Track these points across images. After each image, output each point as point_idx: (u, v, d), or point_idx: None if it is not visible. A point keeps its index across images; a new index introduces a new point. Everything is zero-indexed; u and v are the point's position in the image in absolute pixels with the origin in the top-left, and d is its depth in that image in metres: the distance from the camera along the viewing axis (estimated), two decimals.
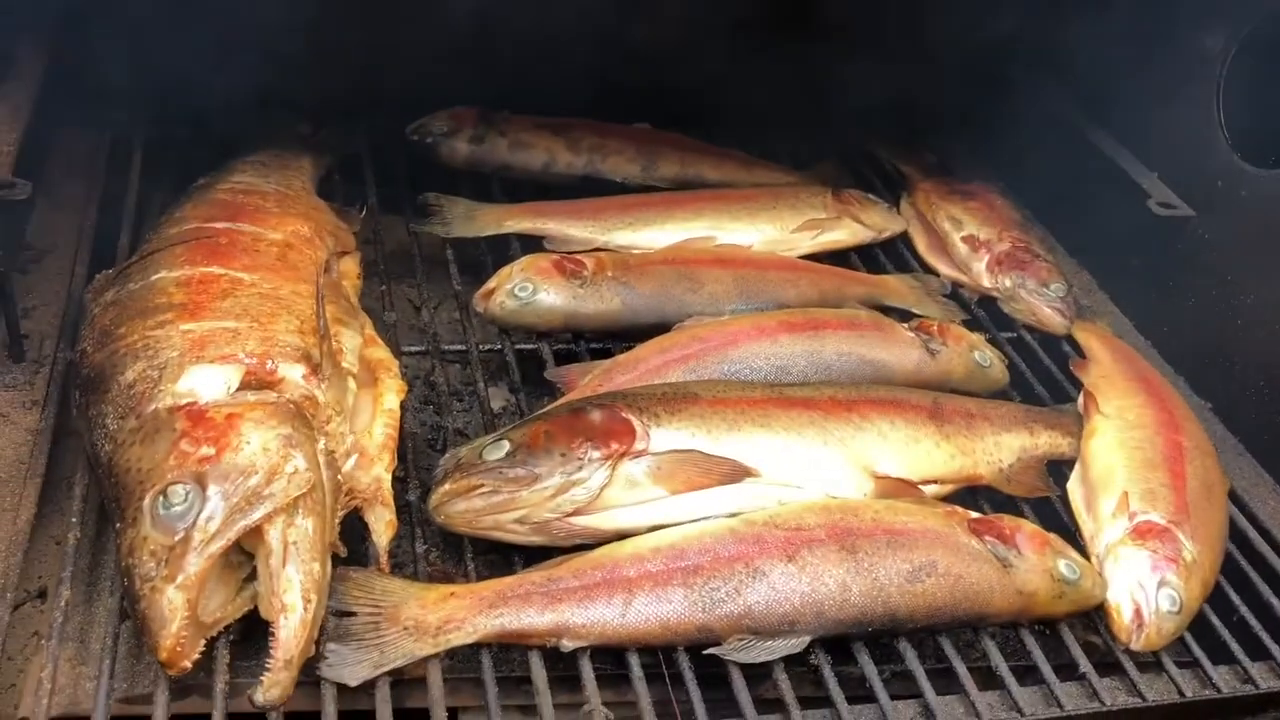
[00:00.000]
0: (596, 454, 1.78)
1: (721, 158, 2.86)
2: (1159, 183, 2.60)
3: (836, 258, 2.68)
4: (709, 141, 2.95)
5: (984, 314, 2.58)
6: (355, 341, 1.91)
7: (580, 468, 1.76)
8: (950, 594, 1.74)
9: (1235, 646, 1.87)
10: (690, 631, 1.66)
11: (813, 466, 1.89)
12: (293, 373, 1.74)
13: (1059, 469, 2.15)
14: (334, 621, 1.61)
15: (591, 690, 1.62)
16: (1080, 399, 2.26)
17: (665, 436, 1.84)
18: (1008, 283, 2.54)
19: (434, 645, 1.61)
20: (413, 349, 2.24)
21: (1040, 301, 2.50)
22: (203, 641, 1.53)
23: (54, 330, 2.11)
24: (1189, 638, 1.87)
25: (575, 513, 1.78)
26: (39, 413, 1.94)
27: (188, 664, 1.48)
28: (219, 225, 2.06)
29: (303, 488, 1.56)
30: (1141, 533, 1.89)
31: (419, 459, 2.01)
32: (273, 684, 1.46)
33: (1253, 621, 1.92)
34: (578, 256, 2.31)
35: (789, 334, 2.18)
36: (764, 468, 1.86)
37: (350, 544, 1.75)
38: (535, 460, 1.77)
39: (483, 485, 1.75)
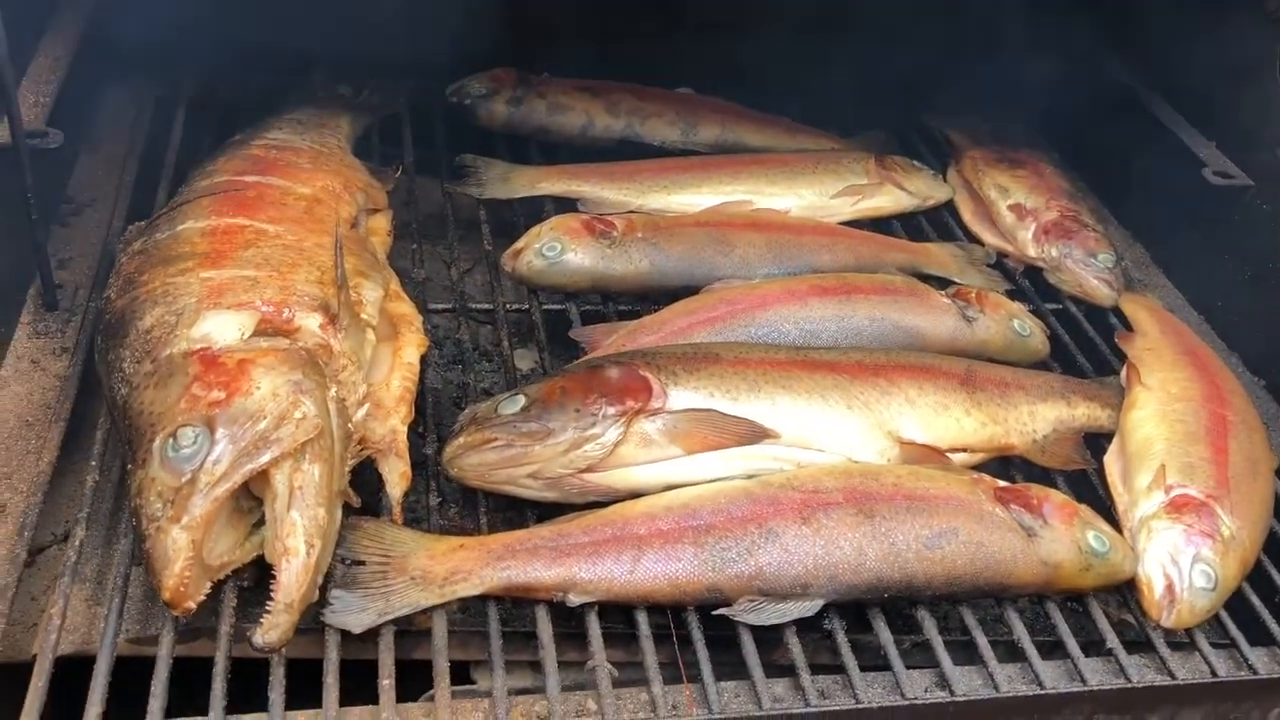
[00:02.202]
0: (611, 410, 1.75)
1: (764, 123, 2.82)
2: (1216, 151, 2.51)
3: (878, 225, 2.62)
4: (758, 105, 2.92)
5: (1029, 284, 2.50)
6: (376, 294, 1.90)
7: (594, 423, 1.74)
8: (971, 562, 1.69)
9: (1276, 627, 1.80)
10: (699, 591, 1.64)
11: (835, 430, 1.85)
12: (309, 321, 1.74)
13: (1097, 443, 2.08)
14: (342, 569, 1.61)
15: (597, 647, 1.60)
16: (1124, 371, 2.19)
17: (683, 396, 1.81)
18: (1054, 252, 2.46)
19: (440, 595, 1.60)
20: (440, 307, 2.23)
21: (1087, 272, 2.43)
22: (209, 584, 1.53)
23: (88, 280, 2.13)
24: (1225, 617, 1.80)
25: (589, 469, 1.76)
26: (68, 359, 1.96)
27: (192, 605, 1.49)
28: (249, 179, 2.07)
29: (310, 433, 1.55)
30: (1177, 506, 1.82)
31: (442, 416, 2.00)
32: (271, 626, 1.46)
33: None
34: (608, 217, 2.29)
35: (819, 298, 2.14)
36: (784, 430, 1.82)
37: (366, 495, 1.75)
38: (550, 415, 1.75)
39: (496, 439, 1.74)
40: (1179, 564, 1.75)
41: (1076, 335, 2.37)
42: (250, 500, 1.60)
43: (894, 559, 1.67)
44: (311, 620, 1.56)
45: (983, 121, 3.02)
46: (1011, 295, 2.44)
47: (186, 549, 1.46)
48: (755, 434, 1.80)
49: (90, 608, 1.68)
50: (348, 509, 1.69)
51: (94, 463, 1.74)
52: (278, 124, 2.38)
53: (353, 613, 1.57)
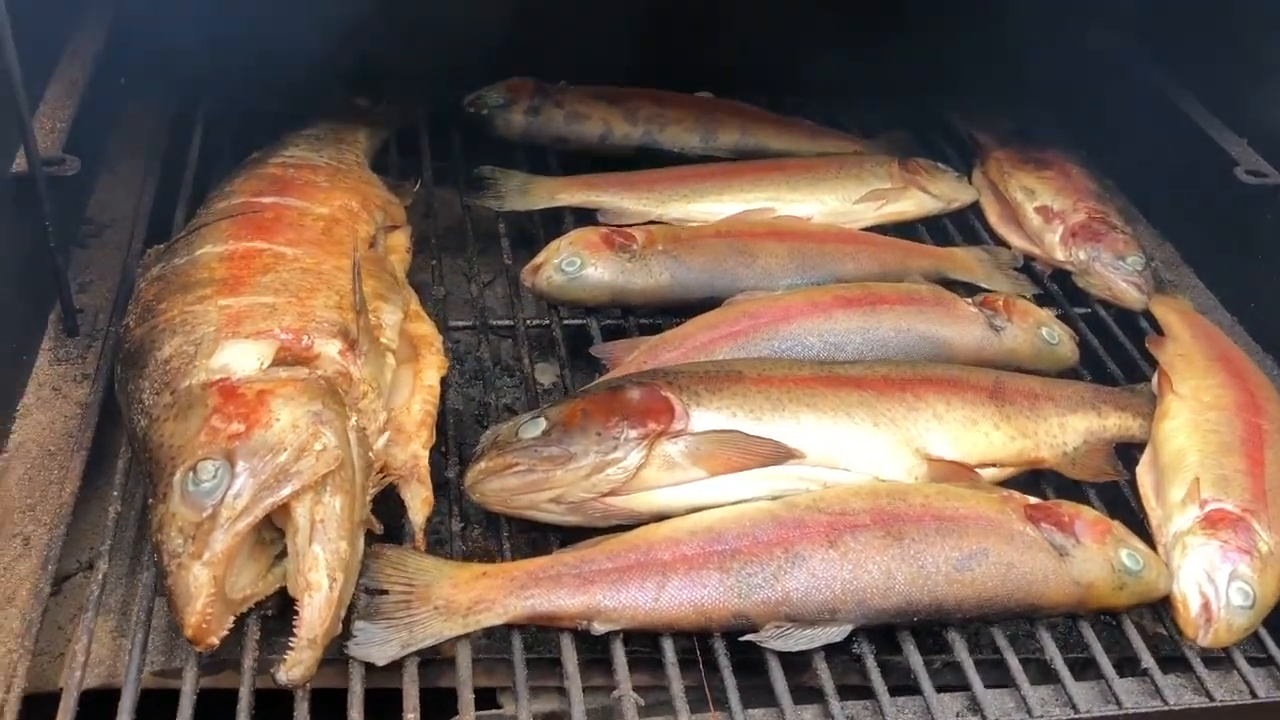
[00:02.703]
0: (633, 433, 1.73)
1: (785, 126, 2.79)
2: (1249, 149, 2.45)
3: (903, 229, 2.59)
4: (775, 111, 2.89)
5: (1057, 288, 2.46)
6: (396, 317, 1.89)
7: (616, 447, 1.72)
8: (1002, 583, 1.66)
9: None
10: (725, 617, 1.62)
11: (861, 448, 1.82)
12: (329, 348, 1.73)
13: (1130, 452, 2.04)
14: (365, 599, 1.60)
15: (622, 675, 1.58)
16: (1155, 378, 2.15)
17: (706, 416, 1.78)
18: (1082, 255, 2.42)
19: (464, 625, 1.58)
20: (461, 324, 2.21)
21: (1116, 275, 2.38)
22: (232, 618, 1.53)
23: (108, 305, 2.13)
24: (1265, 635, 1.76)
25: (611, 493, 1.74)
26: (89, 386, 1.96)
27: (215, 640, 1.48)
28: (266, 200, 2.06)
29: (331, 465, 1.54)
30: (1213, 521, 1.78)
31: (464, 435, 1.98)
32: (295, 663, 1.46)
33: None
34: (628, 230, 2.27)
35: (844, 309, 2.11)
36: (809, 449, 1.79)
37: (390, 520, 1.74)
38: (571, 439, 1.73)
39: (518, 464, 1.72)
40: (1215, 581, 1.72)
41: (1106, 340, 2.33)
42: (272, 532, 1.59)
43: (923, 582, 1.64)
44: (335, 651, 1.55)
45: (1009, 120, 2.98)
46: (1039, 300, 2.40)
47: (208, 585, 1.46)
48: (780, 454, 1.77)
49: (115, 639, 1.68)
50: (370, 536, 1.68)
51: (116, 492, 1.74)
52: (294, 141, 2.37)
53: (376, 644, 1.56)
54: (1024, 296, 2.38)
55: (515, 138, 2.68)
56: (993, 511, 1.72)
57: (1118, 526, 1.77)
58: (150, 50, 2.64)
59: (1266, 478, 1.86)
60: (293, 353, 1.71)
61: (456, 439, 1.93)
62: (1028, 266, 2.51)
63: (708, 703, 1.59)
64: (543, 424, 1.76)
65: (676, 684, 1.58)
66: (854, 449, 1.82)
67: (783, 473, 1.78)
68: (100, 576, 1.62)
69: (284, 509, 1.52)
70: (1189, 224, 2.68)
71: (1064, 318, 2.36)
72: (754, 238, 2.29)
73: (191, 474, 1.51)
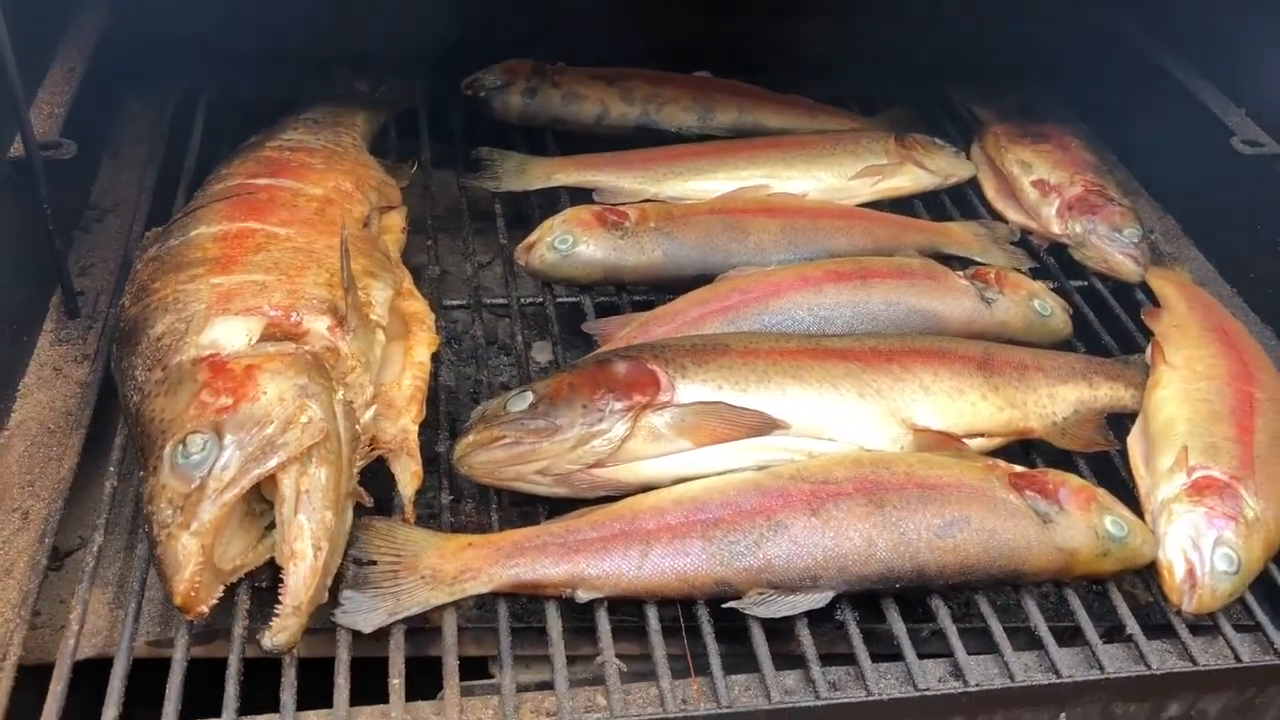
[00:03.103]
0: (618, 405, 1.75)
1: (783, 104, 2.79)
2: (1246, 119, 2.44)
3: (900, 205, 2.59)
4: (776, 89, 2.89)
5: (1053, 262, 2.46)
6: (386, 294, 1.92)
7: (601, 419, 1.74)
8: (984, 550, 1.67)
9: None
10: (708, 585, 1.63)
11: (846, 419, 1.83)
12: (317, 324, 1.76)
13: (1123, 423, 2.04)
14: (354, 569, 1.63)
15: (606, 643, 1.60)
16: (1149, 349, 2.14)
17: (691, 388, 1.80)
18: (1078, 228, 2.42)
19: (449, 594, 1.61)
20: (455, 303, 2.23)
21: (1112, 247, 2.38)
22: (221, 587, 1.56)
23: (109, 287, 2.17)
24: (1251, 600, 1.76)
25: (598, 464, 1.76)
26: (89, 366, 2.00)
27: (204, 609, 1.51)
28: (261, 182, 2.09)
29: (316, 437, 1.57)
30: (1200, 488, 1.79)
31: (458, 411, 2.01)
32: (280, 629, 1.49)
33: None
34: (621, 208, 2.28)
35: (834, 283, 2.12)
36: (794, 420, 1.81)
37: (382, 494, 1.77)
38: (557, 411, 1.75)
39: (505, 436, 1.75)
40: (1200, 547, 1.72)
41: (1102, 313, 2.33)
42: (262, 504, 1.63)
43: (904, 549, 1.65)
44: (324, 620, 1.58)
45: (1010, 95, 2.98)
46: (1035, 273, 2.40)
47: (197, 554, 1.49)
48: (765, 425, 1.79)
49: (112, 611, 1.71)
50: (360, 509, 1.71)
51: (113, 468, 1.77)
52: (293, 124, 2.39)
53: (363, 613, 1.59)
54: (1019, 270, 2.38)
55: (513, 119, 2.70)
56: (976, 479, 1.73)
57: (1102, 493, 1.77)
58: (154, 35, 2.67)
59: (1256, 445, 1.86)
60: (282, 329, 1.73)
61: (449, 415, 1.96)
62: (1025, 241, 2.51)
63: (690, 670, 1.61)
64: (530, 397, 1.79)
65: (659, 651, 1.60)
66: (839, 419, 1.83)
67: (768, 443, 1.80)
68: (95, 549, 1.65)
69: (272, 480, 1.55)
70: (1189, 196, 2.66)
71: (1059, 291, 2.37)
72: (747, 214, 2.30)
73: (181, 447, 1.54)
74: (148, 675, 1.58)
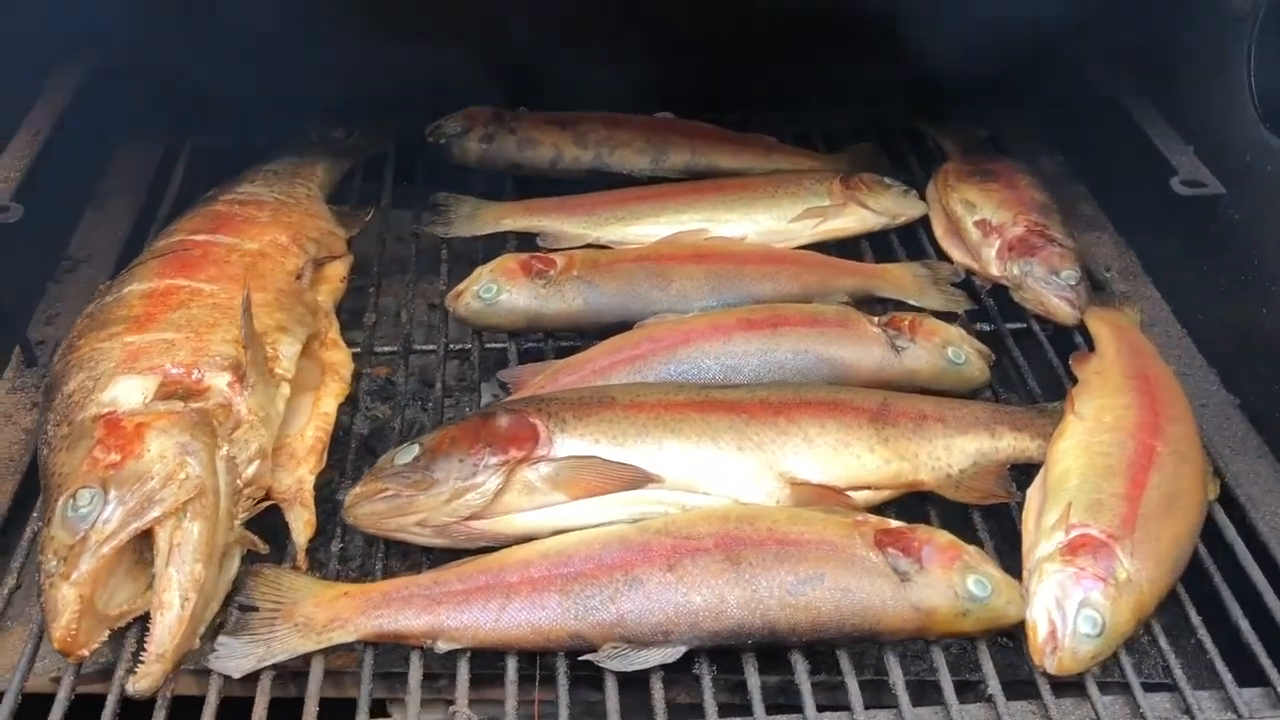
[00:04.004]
0: (493, 460, 1.82)
1: (739, 145, 2.82)
2: (1193, 158, 2.39)
3: (846, 245, 2.60)
4: (742, 123, 2.93)
5: (993, 304, 2.45)
6: (294, 349, 2.02)
7: (475, 473, 1.81)
8: (836, 608, 1.69)
9: (1180, 673, 1.74)
10: (563, 638, 1.69)
11: (722, 473, 1.87)
12: (219, 380, 1.87)
13: (1030, 473, 2.03)
14: (236, 615, 1.73)
15: (461, 691, 1.68)
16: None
17: (569, 443, 1.86)
18: (1015, 270, 2.40)
19: (317, 642, 1.70)
20: (386, 349, 2.33)
21: (1048, 290, 2.35)
22: (107, 631, 1.68)
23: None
24: (1125, 660, 1.75)
25: (474, 517, 1.83)
26: (38, 414, 2.14)
27: (85, 652, 1.64)
28: (200, 238, 2.21)
29: (191, 493, 1.67)
30: (1074, 548, 1.77)
31: (364, 463, 2.09)
32: (144, 675, 1.60)
33: (1209, 646, 1.78)
34: (549, 255, 2.35)
35: (744, 332, 2.15)
36: (669, 473, 1.85)
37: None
38: (435, 465, 1.83)
39: (386, 489, 1.83)
40: (1064, 609, 1.70)
41: (1034, 358, 2.31)
42: (151, 552, 1.74)
43: (755, 606, 1.68)
44: (196, 662, 1.69)
45: (979, 128, 2.96)
46: (973, 315, 2.40)
47: (74, 603, 1.61)
48: (637, 479, 1.84)
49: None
50: (253, 556, 1.82)
51: (35, 513, 1.91)
52: (251, 177, 2.53)
53: (235, 658, 1.68)
54: (959, 310, 2.38)
55: (472, 164, 2.78)
56: (837, 536, 1.75)
57: (971, 552, 1.77)
58: (143, 88, 2.83)
59: (1143, 503, 1.83)
60: (183, 385, 1.85)
61: (355, 463, 2.05)
62: (968, 282, 2.50)
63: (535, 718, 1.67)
64: (415, 450, 1.87)
65: (511, 701, 1.66)
66: (715, 473, 1.87)
67: (642, 496, 1.85)
68: (5, 592, 1.79)
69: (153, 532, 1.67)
70: (1146, 232, 2.61)
71: (994, 334, 2.36)
72: (673, 261, 2.35)
73: (71, 500, 1.67)
74: (43, 712, 1.70)
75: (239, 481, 1.78)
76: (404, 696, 1.79)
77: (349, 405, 2.13)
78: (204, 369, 1.87)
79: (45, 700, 1.70)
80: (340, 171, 2.72)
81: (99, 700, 1.69)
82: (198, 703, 1.68)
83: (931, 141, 2.95)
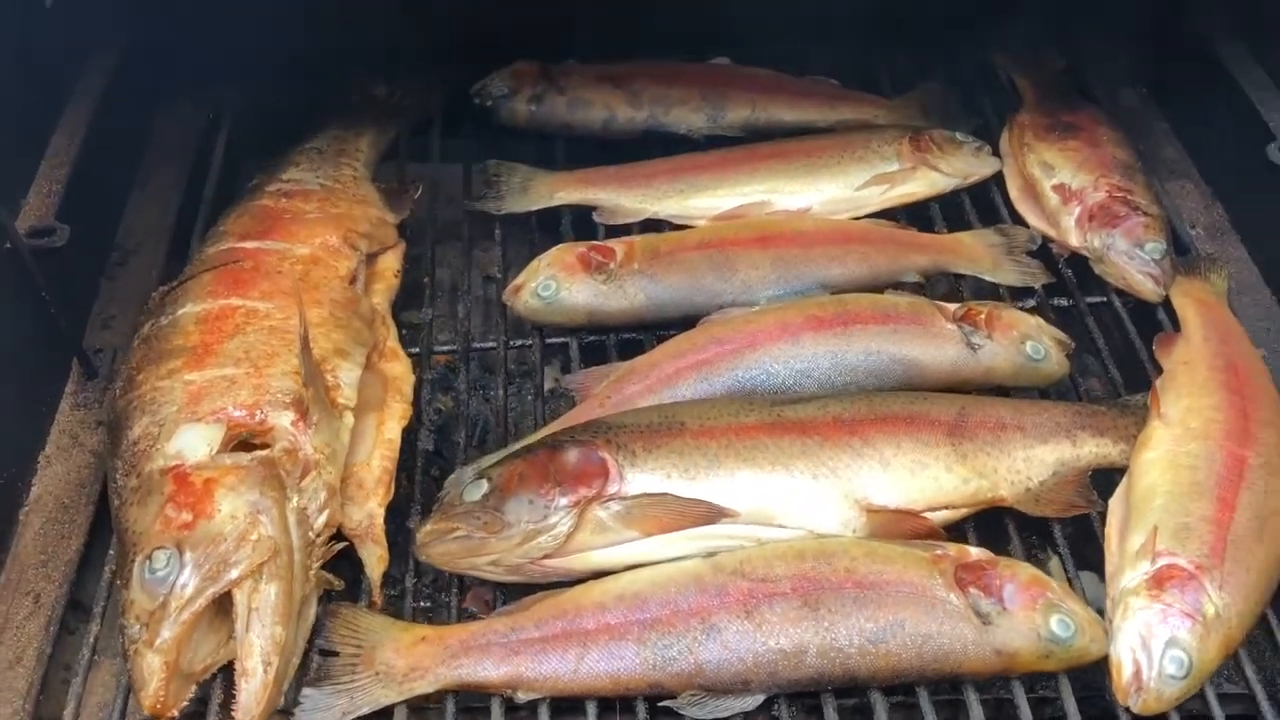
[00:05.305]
0: (564, 500, 1.79)
1: (800, 95, 2.68)
2: None
3: (917, 206, 2.49)
4: (802, 59, 2.77)
5: (1071, 275, 2.34)
6: (354, 374, 1.98)
7: (546, 515, 1.79)
8: (917, 655, 1.68)
9: (1267, 705, 1.72)
10: (642, 687, 1.70)
11: (797, 504, 1.83)
12: (282, 420, 1.84)
13: (1112, 477, 1.97)
14: (318, 660, 1.75)
15: None
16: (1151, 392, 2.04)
17: (640, 478, 1.82)
18: (1096, 242, 2.28)
19: (399, 693, 1.72)
20: (444, 349, 2.28)
21: (1131, 265, 2.24)
22: (194, 686, 1.71)
23: (127, 343, 2.27)
24: (1210, 694, 1.73)
25: (546, 557, 1.81)
26: (102, 443, 2.12)
27: (174, 713, 1.66)
28: (249, 245, 2.15)
29: (265, 555, 1.67)
30: (1160, 580, 1.73)
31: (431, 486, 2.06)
32: None
33: None
34: (607, 246, 2.27)
35: (813, 332, 2.07)
36: (742, 506, 1.82)
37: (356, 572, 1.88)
38: (505, 506, 1.80)
39: (458, 529, 1.82)
40: (1150, 649, 1.68)
41: (1114, 338, 2.22)
42: (230, 603, 1.75)
43: (835, 655, 1.67)
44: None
45: (1059, 57, 2.78)
46: (1050, 289, 2.30)
47: (160, 671, 1.62)
48: (711, 515, 1.81)
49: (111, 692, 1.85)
50: (329, 594, 1.83)
51: (112, 551, 1.92)
52: (294, 159, 2.44)
53: (320, 711, 1.70)
54: (1035, 284, 2.29)
55: (521, 127, 2.67)
56: (917, 575, 1.72)
57: (1055, 588, 1.74)
58: (175, 61, 2.73)
59: (1233, 527, 1.78)
60: (247, 428, 1.83)
61: (424, 467, 2.04)
62: (1044, 249, 2.39)
63: None
64: (484, 486, 1.84)
65: None
66: (789, 505, 1.83)
67: (716, 531, 1.82)
68: (91, 640, 1.81)
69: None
70: (1237, 186, 2.47)
71: (1073, 309, 2.26)
72: (736, 247, 2.26)
73: (147, 562, 1.67)
74: None
75: (311, 533, 1.77)
76: None
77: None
78: (266, 409, 1.84)
79: None
80: (386, 142, 2.62)
81: None
82: None
83: (1004, 74, 2.77)
